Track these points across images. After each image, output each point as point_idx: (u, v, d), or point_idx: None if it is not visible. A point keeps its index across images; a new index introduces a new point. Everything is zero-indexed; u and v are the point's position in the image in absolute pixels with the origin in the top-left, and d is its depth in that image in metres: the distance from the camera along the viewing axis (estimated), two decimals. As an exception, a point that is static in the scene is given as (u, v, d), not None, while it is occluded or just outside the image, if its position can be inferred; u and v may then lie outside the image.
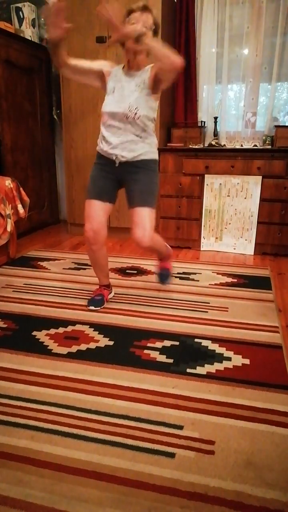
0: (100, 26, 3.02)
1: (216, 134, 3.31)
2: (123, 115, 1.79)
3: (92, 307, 2.08)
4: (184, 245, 3.22)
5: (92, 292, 2.24)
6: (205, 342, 1.76)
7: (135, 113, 1.78)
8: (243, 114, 3.28)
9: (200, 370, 1.56)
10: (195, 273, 2.63)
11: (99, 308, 2.09)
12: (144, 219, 1.88)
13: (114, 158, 1.88)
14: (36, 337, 1.80)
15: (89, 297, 2.19)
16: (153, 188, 1.94)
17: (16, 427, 1.25)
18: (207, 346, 1.73)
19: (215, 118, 3.28)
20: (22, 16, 3.37)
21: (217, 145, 3.15)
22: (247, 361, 1.62)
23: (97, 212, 1.93)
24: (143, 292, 2.30)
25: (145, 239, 1.87)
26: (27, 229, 3.55)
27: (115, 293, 2.27)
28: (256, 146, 3.13)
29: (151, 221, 1.90)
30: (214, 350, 1.70)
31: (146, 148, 1.88)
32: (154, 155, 1.94)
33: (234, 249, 3.14)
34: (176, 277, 2.56)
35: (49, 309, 2.08)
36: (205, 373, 1.54)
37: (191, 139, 3.24)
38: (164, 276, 2.34)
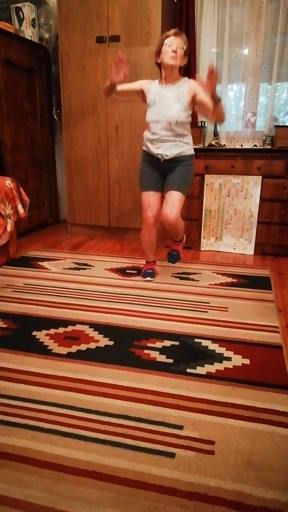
0: (100, 26, 3.02)
1: (216, 134, 3.31)
2: (167, 122, 2.18)
3: (148, 278, 2.48)
4: (184, 245, 3.22)
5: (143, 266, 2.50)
6: (205, 342, 1.76)
7: (177, 120, 2.16)
8: (243, 114, 3.28)
9: (200, 370, 1.56)
10: (195, 273, 2.63)
11: (153, 279, 2.50)
12: (175, 200, 2.23)
13: (160, 157, 2.26)
14: (36, 337, 1.80)
15: (89, 297, 2.21)
16: (187, 179, 2.31)
17: (16, 427, 1.25)
18: (207, 346, 1.73)
19: (215, 118, 3.28)
20: (22, 16, 3.37)
21: (217, 145, 3.15)
22: (247, 361, 1.62)
23: (154, 201, 2.35)
24: (143, 292, 2.30)
25: (171, 216, 2.22)
26: (27, 229, 3.55)
27: (115, 293, 2.28)
28: (256, 146, 3.13)
29: (180, 204, 2.26)
30: (214, 350, 1.70)
31: (185, 147, 2.26)
32: (191, 151, 2.32)
33: (234, 249, 3.14)
34: (176, 277, 2.56)
35: (49, 309, 2.08)
36: (205, 373, 1.54)
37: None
38: (173, 256, 2.63)
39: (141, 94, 2.29)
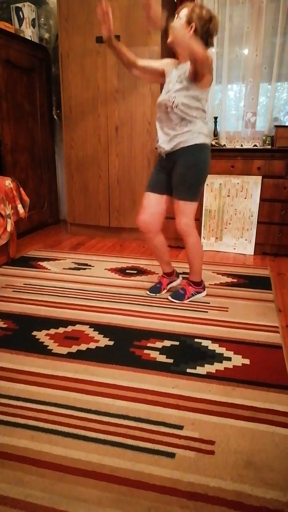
0: (100, 26, 3.01)
1: (216, 134, 3.31)
2: (164, 105, 1.90)
3: (147, 292, 2.27)
4: (184, 245, 3.21)
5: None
6: (205, 342, 1.76)
7: (173, 102, 1.86)
8: (243, 114, 3.28)
9: (200, 370, 1.56)
10: (195, 273, 2.62)
11: (154, 294, 2.26)
12: (178, 211, 2.01)
13: (160, 151, 2.00)
14: (36, 337, 1.80)
15: (89, 297, 2.21)
16: (190, 179, 1.96)
17: (16, 427, 1.25)
18: (207, 346, 1.73)
19: (215, 118, 3.28)
20: (22, 16, 3.37)
21: (217, 145, 3.15)
22: (247, 361, 1.62)
23: (149, 203, 2.09)
24: (143, 292, 2.30)
25: (179, 226, 2.02)
26: (27, 229, 3.55)
27: (115, 293, 2.28)
28: (256, 146, 3.13)
29: (185, 213, 2.00)
30: (214, 350, 1.70)
31: (185, 136, 1.90)
32: (196, 140, 1.90)
33: (234, 249, 3.14)
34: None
35: (49, 309, 2.08)
36: (205, 373, 1.54)
37: (191, 139, 3.23)
38: (177, 294, 2.20)
39: (163, 75, 2.01)
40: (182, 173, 1.95)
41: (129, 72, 2.06)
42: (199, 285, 2.22)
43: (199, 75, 1.78)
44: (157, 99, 1.98)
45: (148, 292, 2.27)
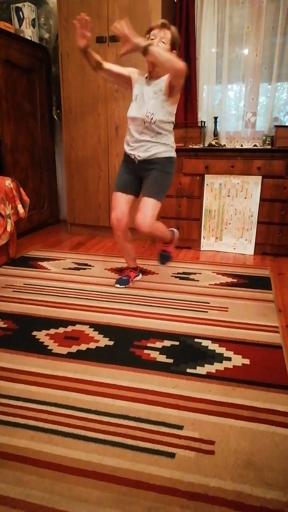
0: (100, 26, 3.02)
1: (216, 134, 3.31)
2: (142, 120, 2.03)
3: (117, 285, 2.38)
4: (184, 245, 3.22)
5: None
6: (205, 342, 1.76)
7: (151, 118, 2.01)
8: (243, 114, 3.28)
9: (200, 370, 1.56)
10: (195, 273, 2.63)
11: (124, 287, 2.37)
12: (147, 208, 2.08)
13: (133, 157, 2.13)
14: (36, 337, 1.80)
15: (89, 297, 2.21)
16: (162, 184, 2.14)
17: (16, 427, 1.25)
18: (207, 346, 1.73)
19: (215, 118, 3.28)
20: (22, 16, 3.37)
21: (217, 145, 3.15)
22: (247, 361, 1.62)
23: (120, 202, 2.21)
24: (143, 292, 2.30)
25: (143, 224, 2.07)
26: (27, 229, 3.55)
27: (115, 293, 2.28)
28: (256, 146, 3.13)
29: (153, 211, 2.10)
30: (214, 350, 1.70)
31: (161, 148, 2.09)
32: (169, 153, 2.13)
33: (234, 249, 3.14)
34: (176, 277, 2.56)
35: (49, 309, 2.08)
36: (205, 373, 1.54)
37: (191, 139, 3.23)
38: (163, 256, 2.48)
39: (129, 83, 2.13)
40: (156, 177, 2.12)
41: (96, 74, 2.19)
42: (172, 240, 2.48)
43: (175, 89, 1.96)
44: (129, 112, 2.09)
45: (118, 285, 2.38)
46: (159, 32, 1.95)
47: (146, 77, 2.09)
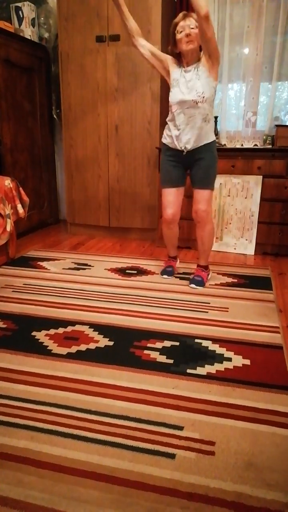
0: (100, 26, 3.02)
1: (216, 133, 3.30)
2: (193, 101, 2.06)
3: (165, 276, 2.52)
4: (184, 245, 3.21)
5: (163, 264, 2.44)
6: (205, 343, 1.76)
7: (203, 97, 2.05)
8: (243, 113, 3.27)
9: (200, 370, 1.55)
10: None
11: (170, 277, 2.52)
12: (206, 200, 2.22)
13: (183, 148, 2.16)
14: (35, 337, 1.80)
15: (88, 297, 2.20)
16: (212, 172, 2.22)
17: (15, 428, 1.24)
18: (207, 347, 1.73)
19: (216, 117, 3.27)
20: (21, 16, 3.37)
21: (217, 145, 3.13)
22: (247, 362, 1.61)
23: (174, 199, 2.32)
24: (143, 292, 2.30)
25: (202, 210, 2.21)
26: (26, 229, 3.54)
27: (114, 294, 2.28)
28: (257, 145, 3.12)
29: (211, 200, 2.24)
30: (215, 351, 1.69)
31: (209, 133, 2.16)
32: (212, 137, 2.20)
33: (235, 249, 3.14)
34: (176, 277, 2.56)
35: (48, 309, 2.07)
36: (205, 373, 1.53)
37: (191, 139, 3.22)
38: (197, 281, 2.40)
39: (165, 66, 2.18)
40: (207, 166, 2.19)
41: (133, 43, 2.23)
42: (208, 268, 2.50)
43: (213, 55, 2.00)
44: (174, 97, 2.11)
45: (165, 276, 2.52)
46: (185, 22, 2.01)
47: (182, 66, 2.13)
